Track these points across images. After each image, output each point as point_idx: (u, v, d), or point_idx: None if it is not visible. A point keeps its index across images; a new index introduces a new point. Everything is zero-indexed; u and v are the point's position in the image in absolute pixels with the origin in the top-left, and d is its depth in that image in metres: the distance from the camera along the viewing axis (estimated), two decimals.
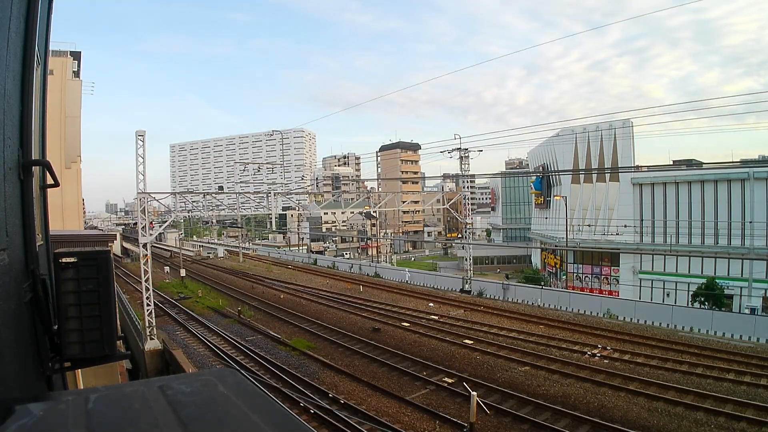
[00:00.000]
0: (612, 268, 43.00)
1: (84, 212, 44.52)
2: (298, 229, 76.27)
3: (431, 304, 26.78)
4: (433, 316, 23.81)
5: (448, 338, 19.63)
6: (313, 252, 65.82)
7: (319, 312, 25.50)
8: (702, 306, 28.82)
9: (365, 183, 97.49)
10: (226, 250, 64.17)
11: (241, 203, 28.29)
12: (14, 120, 2.48)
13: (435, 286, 34.42)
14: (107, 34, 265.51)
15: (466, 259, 32.08)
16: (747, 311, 26.78)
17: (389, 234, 75.18)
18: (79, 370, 5.49)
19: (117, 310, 3.01)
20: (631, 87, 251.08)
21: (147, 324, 19.10)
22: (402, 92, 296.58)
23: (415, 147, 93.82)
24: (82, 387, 6.18)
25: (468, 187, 32.59)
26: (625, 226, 39.66)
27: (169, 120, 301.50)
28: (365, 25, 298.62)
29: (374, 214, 65.90)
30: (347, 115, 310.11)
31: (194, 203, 42.89)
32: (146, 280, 19.54)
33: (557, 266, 49.29)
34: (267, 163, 34.14)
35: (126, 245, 62.91)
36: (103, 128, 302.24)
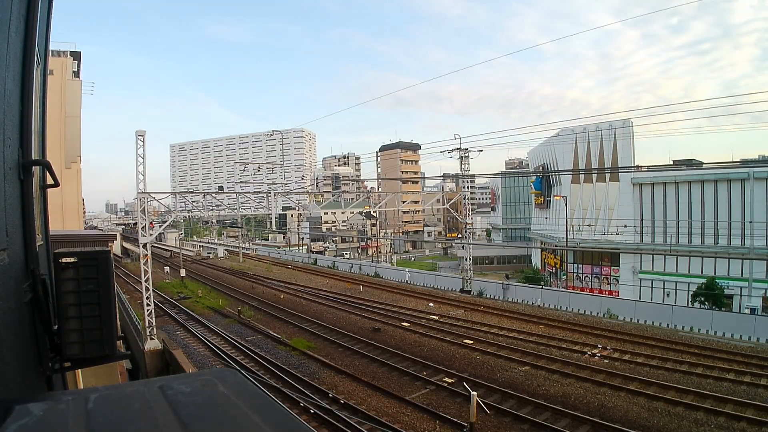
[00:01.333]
0: (612, 268, 42.99)
1: (84, 212, 44.51)
2: (298, 229, 76.30)
3: (431, 304, 26.78)
4: (433, 316, 23.81)
5: (448, 338, 19.63)
6: (313, 252, 65.81)
7: (319, 312, 25.50)
8: (702, 306, 28.82)
9: (365, 183, 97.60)
10: (226, 250, 64.15)
11: (241, 203, 28.31)
12: (14, 120, 2.48)
13: (435, 286, 34.44)
14: (105, 30, 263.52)
15: (466, 259, 32.09)
16: (747, 311, 26.77)
17: (389, 234, 75.19)
18: (79, 370, 5.49)
19: (117, 310, 3.01)
20: (681, 88, 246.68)
21: (147, 324, 19.11)
22: (458, 89, 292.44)
23: (415, 147, 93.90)
24: (82, 387, 6.18)
25: (468, 187, 32.68)
26: (625, 226, 39.65)
27: (170, 119, 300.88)
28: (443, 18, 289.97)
29: (374, 214, 65.86)
30: (391, 110, 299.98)
31: (194, 203, 42.91)
32: (146, 280, 19.56)
33: (557, 266, 49.27)
34: (267, 163, 34.12)
35: (126, 245, 62.92)
36: (103, 128, 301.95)
